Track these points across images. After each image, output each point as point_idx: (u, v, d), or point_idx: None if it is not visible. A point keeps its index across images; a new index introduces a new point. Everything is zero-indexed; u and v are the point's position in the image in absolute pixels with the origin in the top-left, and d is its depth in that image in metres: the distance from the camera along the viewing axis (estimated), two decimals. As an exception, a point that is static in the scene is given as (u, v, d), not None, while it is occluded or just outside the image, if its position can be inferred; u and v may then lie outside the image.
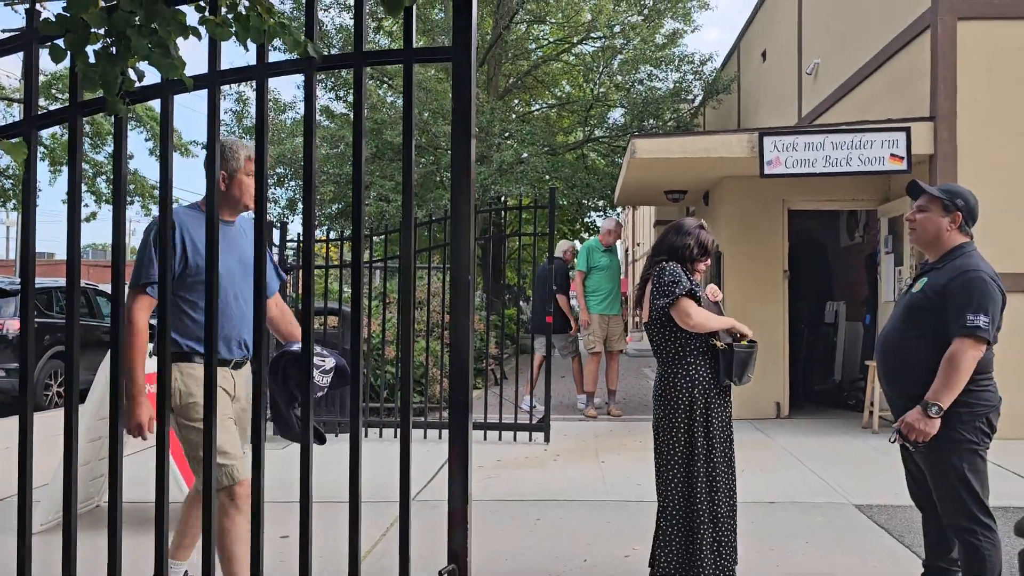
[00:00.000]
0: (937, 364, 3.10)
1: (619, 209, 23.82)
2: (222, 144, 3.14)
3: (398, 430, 7.65)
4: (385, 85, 18.36)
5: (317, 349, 3.07)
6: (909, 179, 8.16)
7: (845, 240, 11.49)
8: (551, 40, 20.03)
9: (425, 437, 7.50)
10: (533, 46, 19.95)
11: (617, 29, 18.29)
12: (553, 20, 18.79)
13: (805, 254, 10.78)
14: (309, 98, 2.34)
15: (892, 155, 7.76)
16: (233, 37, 2.22)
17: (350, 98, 18.45)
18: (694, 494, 3.50)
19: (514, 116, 18.86)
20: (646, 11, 18.65)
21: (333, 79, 17.86)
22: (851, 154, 7.79)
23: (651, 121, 18.78)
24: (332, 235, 8.50)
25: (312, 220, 2.35)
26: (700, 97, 19.04)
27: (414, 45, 2.27)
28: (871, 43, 9.45)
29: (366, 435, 7.72)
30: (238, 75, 2.39)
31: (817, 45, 11.73)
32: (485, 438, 7.38)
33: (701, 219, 3.96)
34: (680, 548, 3.53)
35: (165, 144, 2.38)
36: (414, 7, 2.24)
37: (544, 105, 21.78)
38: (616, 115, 20.16)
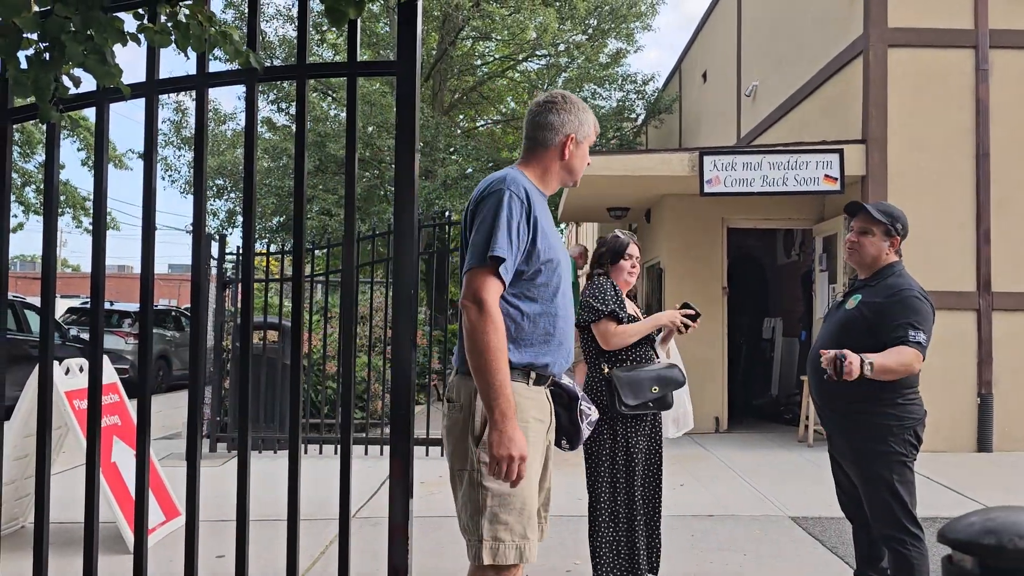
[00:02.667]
0: (869, 380, 3.11)
1: (563, 225, 23.99)
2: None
3: (336, 446, 7.57)
4: (329, 98, 18.23)
5: (583, 394, 2.70)
6: (844, 199, 8.47)
7: (782, 258, 11.77)
8: (496, 57, 20.13)
9: (366, 453, 7.41)
10: (479, 62, 20.03)
11: (562, 48, 18.48)
12: (499, 37, 18.89)
13: (744, 271, 11.03)
14: (251, 110, 2.31)
15: (827, 176, 7.99)
16: (173, 45, 2.19)
17: (293, 110, 18.25)
18: (616, 500, 3.63)
19: (459, 131, 18.89)
20: (590, 31, 18.89)
21: (276, 91, 17.65)
22: (787, 174, 8.00)
23: (597, 140, 18.96)
24: (273, 248, 8.38)
25: (252, 233, 2.32)
26: (643, 116, 19.34)
27: (358, 59, 2.27)
28: (807, 67, 9.74)
29: (306, 451, 7.60)
30: (177, 84, 2.35)
31: (755, 67, 12.04)
32: (427, 454, 7.33)
33: (622, 229, 4.19)
34: (609, 551, 3.63)
35: (100, 154, 2.32)
36: (359, 20, 2.23)
37: (489, 121, 21.87)
38: (560, 132, 20.25)
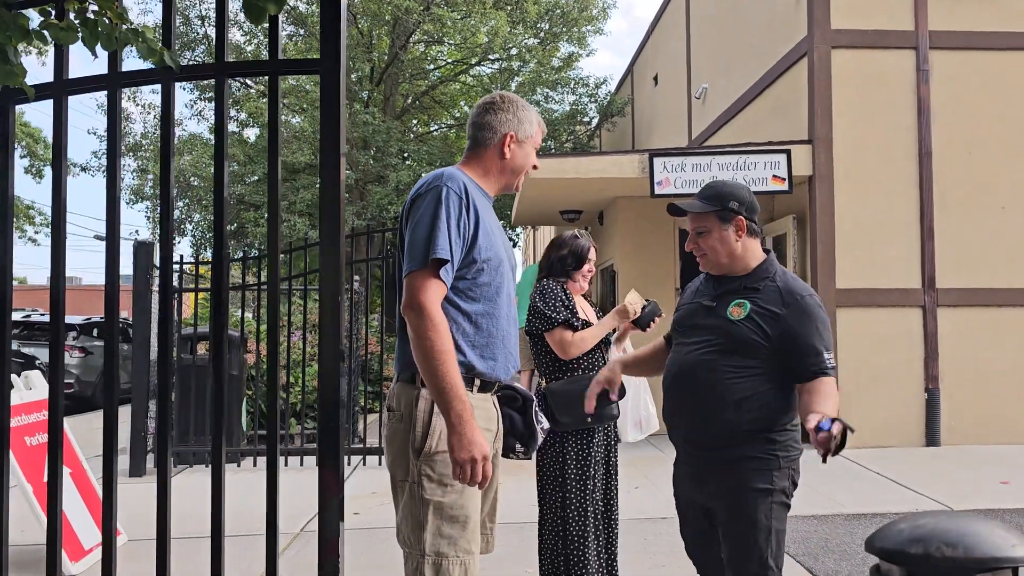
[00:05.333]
0: (768, 402, 2.56)
1: (519, 229, 23.98)
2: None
3: (287, 458, 7.40)
4: (281, 103, 17.96)
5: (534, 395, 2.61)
6: (793, 200, 8.56)
7: (734, 258, 11.85)
8: (449, 61, 20.05)
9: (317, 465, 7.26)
10: (431, 66, 19.93)
11: (514, 52, 18.47)
12: (451, 41, 18.82)
13: (697, 272, 11.06)
14: (166, 112, 2.21)
15: (775, 176, 8.05)
16: (81, 43, 2.08)
17: (242, 115, 17.97)
18: (566, 514, 3.50)
19: (412, 136, 18.76)
20: (542, 34, 18.93)
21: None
22: (736, 175, 8.04)
23: (549, 142, 19.01)
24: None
25: (169, 241, 2.21)
26: (596, 119, 19.40)
27: (289, 56, 2.18)
28: (755, 69, 9.83)
29: (254, 464, 7.43)
30: (88, 85, 2.24)
31: (705, 70, 12.13)
32: (380, 463, 7.21)
33: (578, 230, 4.03)
34: (552, 562, 3.53)
35: (4, 157, 2.20)
36: (280, 16, 2.15)
37: (443, 125, 21.76)
38: (514, 136, 20.26)
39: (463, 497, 2.25)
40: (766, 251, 2.71)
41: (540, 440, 2.54)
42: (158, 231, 18.01)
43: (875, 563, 1.11)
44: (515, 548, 4.75)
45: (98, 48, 2.05)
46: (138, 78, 2.22)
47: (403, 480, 2.29)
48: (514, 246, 22.46)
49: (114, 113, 2.20)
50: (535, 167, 2.54)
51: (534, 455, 2.71)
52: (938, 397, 7.99)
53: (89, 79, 2.22)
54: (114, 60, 2.20)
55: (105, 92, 2.22)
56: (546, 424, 2.59)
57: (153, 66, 2.12)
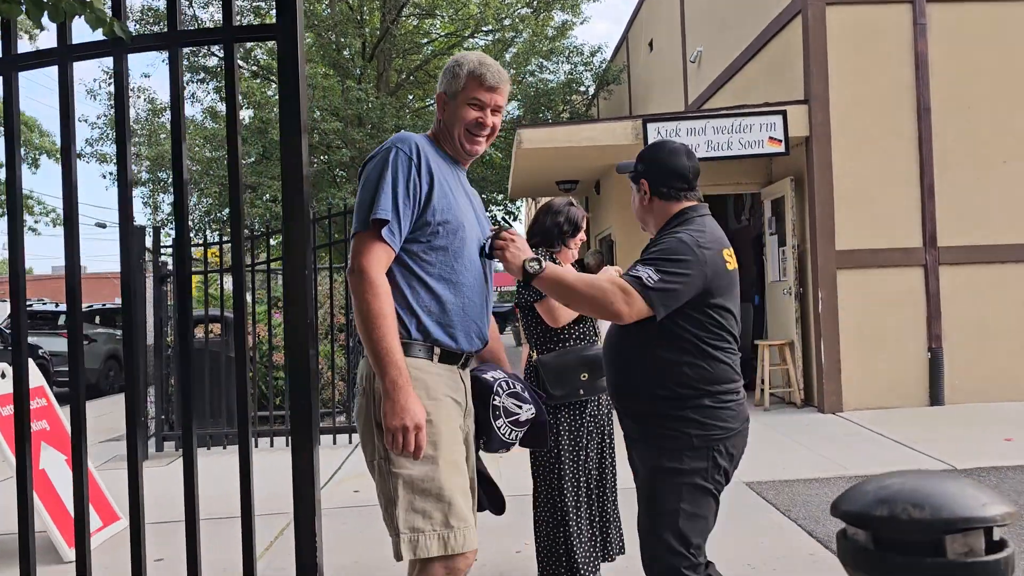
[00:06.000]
0: (651, 367, 2.38)
1: (519, 202, 23.83)
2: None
3: (288, 438, 7.37)
4: (274, 84, 17.79)
5: (516, 390, 2.39)
6: (791, 161, 8.43)
7: (733, 224, 11.75)
8: (442, 34, 19.80)
9: (318, 443, 7.24)
10: (424, 40, 19.69)
11: (507, 22, 18.22)
12: (442, 14, 18.57)
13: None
14: (120, 85, 2.13)
15: (771, 138, 7.93)
16: (24, 15, 2.01)
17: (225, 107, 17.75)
18: (561, 486, 3.44)
19: (408, 111, 18.57)
20: (535, 3, 18.65)
21: (218, 78, 17.14)
22: (732, 138, 7.93)
23: (546, 113, 18.81)
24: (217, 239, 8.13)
25: (130, 221, 2.14)
26: (592, 88, 19.18)
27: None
28: (749, 29, 9.66)
29: (256, 445, 7.41)
30: (38, 60, 2.16)
31: (700, 33, 11.94)
32: (381, 440, 7.18)
33: (571, 197, 3.93)
34: (547, 535, 3.48)
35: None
36: (232, -19, 2.06)
37: (439, 100, 21.53)
38: (511, 108, 20.12)
39: (435, 470, 2.13)
40: (682, 212, 2.48)
41: (509, 438, 2.33)
42: (157, 216, 17.94)
43: (841, 528, 1.05)
44: (512, 521, 4.72)
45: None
46: (89, 50, 2.14)
47: (370, 460, 2.23)
48: (514, 219, 22.29)
49: (66, 88, 2.13)
50: (474, 120, 2.33)
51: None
52: (941, 356, 7.91)
53: (38, 53, 2.14)
54: (63, 33, 2.12)
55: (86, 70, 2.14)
56: (524, 415, 2.35)
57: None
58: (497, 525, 4.65)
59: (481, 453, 2.46)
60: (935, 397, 7.89)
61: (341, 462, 6.56)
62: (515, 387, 2.39)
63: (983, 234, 8.03)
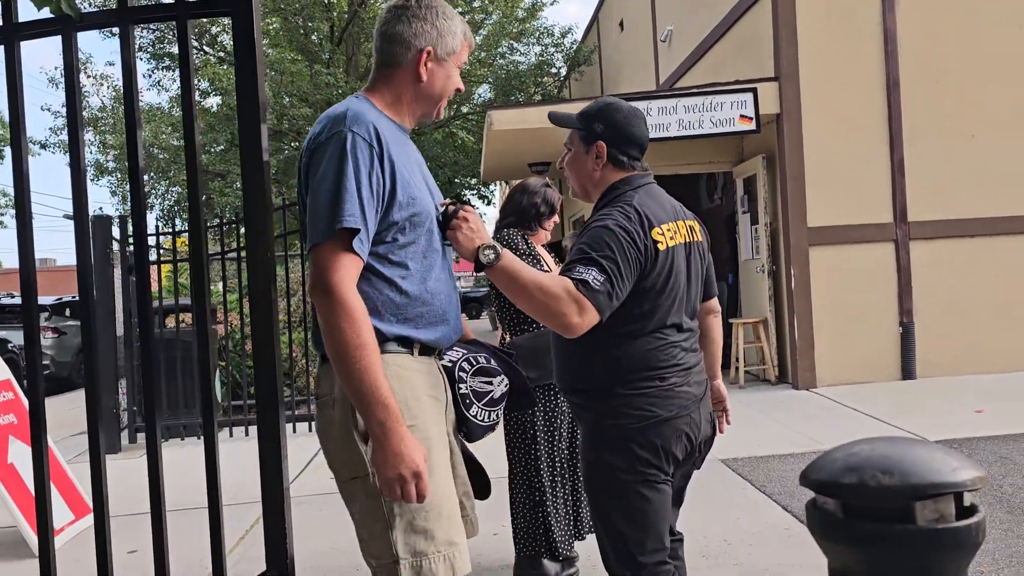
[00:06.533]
0: (572, 358, 2.24)
1: (492, 185, 23.74)
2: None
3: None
4: (228, 63, 17.55)
5: (482, 363, 2.12)
6: (762, 140, 8.45)
7: (706, 203, 11.78)
8: (411, 17, 19.60)
9: (294, 431, 7.19)
10: (393, 24, 19.48)
11: (476, 4, 18.10)
12: (411, -4, 18.38)
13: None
14: (69, 65, 2.06)
15: (742, 116, 7.93)
16: None
17: (203, 84, 17.54)
18: (530, 464, 3.45)
19: (378, 96, 18.39)
20: (505, -16, 18.55)
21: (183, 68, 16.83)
22: (703, 117, 7.92)
23: (518, 95, 18.73)
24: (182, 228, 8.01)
25: (84, 209, 2.08)
26: (564, 70, 19.11)
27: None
28: (719, 8, 9.64)
29: (230, 434, 7.35)
30: (-18, 40, 2.08)
31: (670, 12, 11.90)
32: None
33: (546, 178, 3.90)
34: (525, 518, 3.48)
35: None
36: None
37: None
38: (483, 91, 20.01)
39: (432, 480, 1.83)
40: (623, 181, 2.26)
41: (485, 418, 2.11)
42: (126, 205, 17.68)
43: (811, 498, 1.03)
44: (489, 504, 4.70)
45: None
46: (36, 28, 2.06)
47: (353, 478, 1.87)
48: (488, 203, 22.21)
49: (13, 70, 2.05)
50: (459, 90, 2.08)
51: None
52: (913, 330, 7.99)
53: (-19, 33, 2.06)
54: (8, 10, 2.05)
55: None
56: (498, 392, 2.13)
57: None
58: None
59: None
60: (907, 371, 7.98)
61: (318, 449, 6.52)
62: (479, 361, 2.11)
63: (953, 208, 8.10)
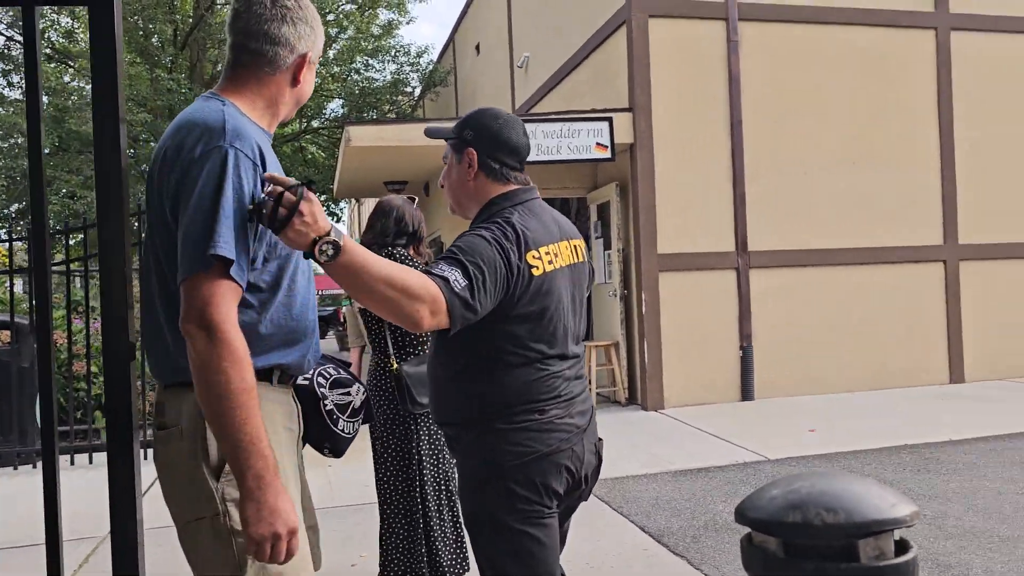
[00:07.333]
0: (460, 382, 2.06)
1: (343, 203, 23.27)
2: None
3: (91, 455, 6.71)
4: (71, 69, 16.32)
5: (335, 376, 2.00)
6: (615, 167, 8.70)
7: (560, 227, 12.00)
8: (261, 26, 18.94)
9: (139, 453, 6.64)
10: (242, 31, 18.76)
11: (331, 17, 17.75)
12: (263, 4, 17.75)
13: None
14: None
15: (598, 144, 8.14)
16: None
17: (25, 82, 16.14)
18: (412, 491, 3.34)
19: (224, 105, 17.63)
20: (360, 0, 18.30)
21: (3, 61, 15.51)
22: (561, 143, 8.07)
23: (371, 112, 18.48)
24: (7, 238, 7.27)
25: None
26: (419, 89, 19.06)
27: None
28: (576, 38, 9.90)
29: (72, 462, 6.69)
30: None
31: (527, 39, 12.12)
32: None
33: (407, 195, 3.79)
34: (403, 548, 3.36)
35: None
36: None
37: (257, 94, 20.61)
38: (335, 106, 19.62)
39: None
40: (504, 196, 2.10)
41: (349, 431, 2.02)
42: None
43: (747, 533, 1.00)
44: (348, 534, 4.52)
45: None
46: None
47: (197, 518, 1.68)
48: (337, 220, 21.74)
49: None
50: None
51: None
52: (751, 354, 8.43)
53: None
54: None
55: None
56: (358, 401, 2.04)
57: None
58: (330, 538, 4.43)
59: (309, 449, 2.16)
60: (746, 392, 8.40)
61: (154, 478, 6.05)
62: (331, 373, 2.00)
63: (787, 239, 8.64)
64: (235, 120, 1.67)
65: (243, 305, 1.69)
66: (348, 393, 2.00)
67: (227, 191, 1.59)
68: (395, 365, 3.30)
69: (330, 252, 1.65)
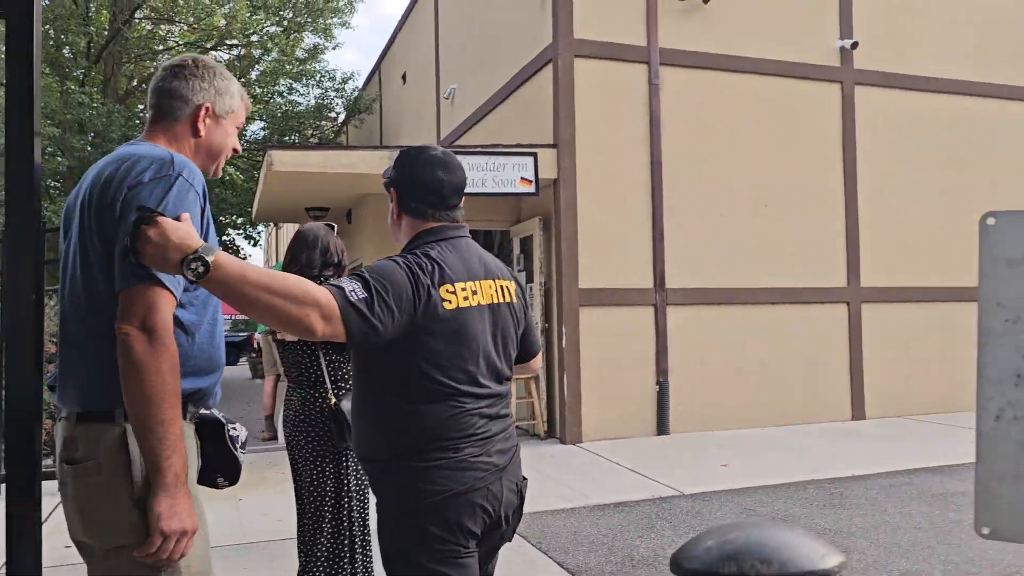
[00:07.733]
0: (376, 419, 2.04)
1: (261, 227, 22.82)
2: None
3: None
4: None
5: (223, 416, 2.06)
6: (538, 202, 8.80)
7: (482, 258, 12.03)
8: (180, 43, 18.57)
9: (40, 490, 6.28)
10: (160, 48, 18.35)
11: (255, 39, 17.52)
12: (182, 21, 17.43)
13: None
14: None
15: (522, 178, 8.23)
16: None
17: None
18: (340, 531, 3.27)
19: (138, 121, 17.15)
20: (285, 23, 18.12)
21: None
22: (486, 176, 8.12)
23: (294, 136, 18.26)
24: None
25: None
26: (343, 115, 18.94)
27: None
28: (503, 72, 10.02)
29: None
30: None
31: (454, 71, 12.20)
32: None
33: (326, 222, 3.76)
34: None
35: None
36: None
37: (175, 113, 20.11)
38: (256, 128, 19.31)
39: (204, 545, 1.81)
40: (429, 232, 2.12)
41: (241, 464, 2.08)
42: None
43: (676, 584, 1.02)
44: (264, 570, 4.37)
45: None
46: None
47: (117, 548, 1.73)
48: (255, 244, 21.30)
49: None
50: (236, 151, 2.12)
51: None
52: (667, 389, 8.59)
53: None
54: None
55: None
56: (243, 435, 2.08)
57: None
58: (242, 570, 4.28)
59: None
60: (662, 427, 8.54)
61: (50, 511, 5.73)
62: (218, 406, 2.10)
63: (704, 278, 8.87)
64: (181, 158, 1.85)
65: (176, 325, 1.79)
66: (235, 427, 2.08)
67: (169, 209, 1.72)
68: (333, 400, 3.24)
69: (200, 270, 1.62)
